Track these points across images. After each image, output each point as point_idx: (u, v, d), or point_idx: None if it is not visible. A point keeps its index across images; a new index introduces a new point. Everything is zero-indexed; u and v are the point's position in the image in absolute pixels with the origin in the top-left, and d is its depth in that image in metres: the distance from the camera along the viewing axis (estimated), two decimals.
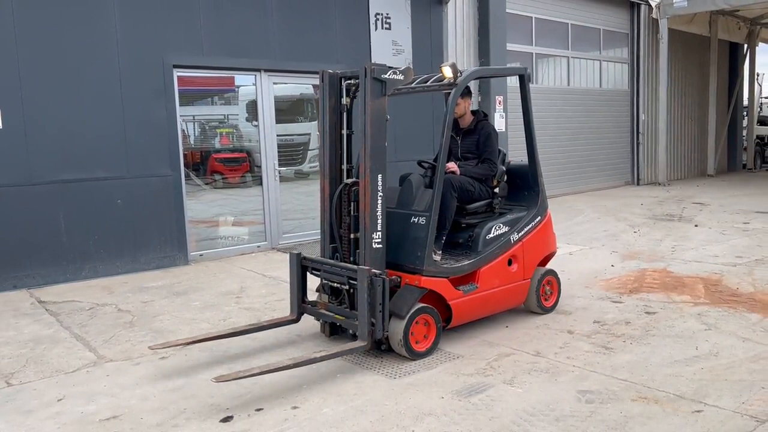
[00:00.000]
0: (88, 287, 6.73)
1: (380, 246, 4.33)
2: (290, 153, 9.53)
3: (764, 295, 5.58)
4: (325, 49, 8.91)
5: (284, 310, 5.59)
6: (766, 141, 20.95)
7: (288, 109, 9.61)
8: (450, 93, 4.66)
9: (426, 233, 4.42)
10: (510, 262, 4.99)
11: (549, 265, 5.48)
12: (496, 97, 11.56)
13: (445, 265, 4.60)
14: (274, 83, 8.58)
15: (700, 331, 4.70)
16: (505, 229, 4.96)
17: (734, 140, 19.71)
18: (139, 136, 7.30)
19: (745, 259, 7.00)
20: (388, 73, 4.33)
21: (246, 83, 8.59)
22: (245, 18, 8.11)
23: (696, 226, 9.37)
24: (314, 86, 9.25)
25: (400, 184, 5.02)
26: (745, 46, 19.25)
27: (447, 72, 4.51)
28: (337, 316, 4.56)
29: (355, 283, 4.22)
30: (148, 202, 7.41)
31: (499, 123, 11.66)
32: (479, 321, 4.98)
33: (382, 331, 4.20)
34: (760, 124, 21.27)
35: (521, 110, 5.29)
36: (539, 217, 5.21)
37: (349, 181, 4.66)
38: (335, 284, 4.53)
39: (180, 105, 7.75)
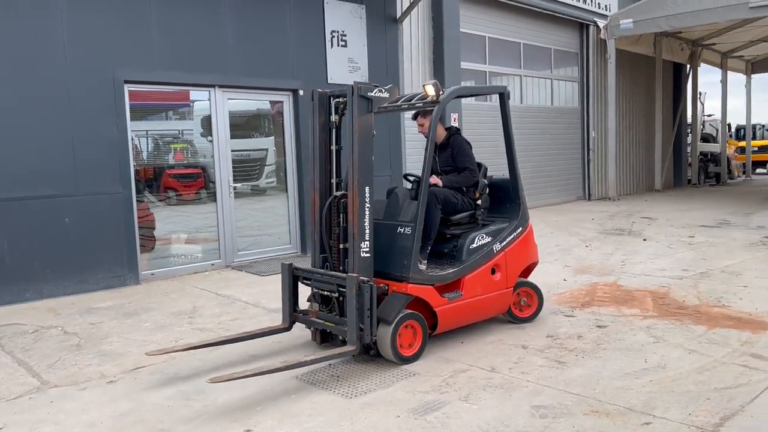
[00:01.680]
0: (32, 309, 6.49)
1: (368, 255, 4.52)
2: (247, 169, 9.43)
3: (709, 307, 5.76)
4: (281, 65, 8.89)
5: (238, 329, 5.51)
6: (709, 157, 21.80)
7: (245, 125, 9.53)
8: (432, 110, 4.89)
9: (411, 242, 4.61)
10: (493, 271, 5.16)
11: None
12: (452, 114, 11.71)
13: (430, 273, 4.77)
14: (229, 99, 8.50)
15: (648, 343, 4.81)
16: (487, 239, 5.16)
17: (679, 157, 20.45)
18: (88, 152, 7.12)
19: (690, 272, 7.23)
20: (374, 92, 4.59)
21: (201, 98, 8.49)
22: (200, 34, 8.03)
23: (644, 240, 9.65)
24: (271, 102, 9.21)
25: (387, 197, 5.20)
26: (688, 66, 20.06)
27: (430, 90, 4.71)
28: (327, 323, 4.70)
29: (345, 290, 4.40)
30: (97, 220, 7.21)
31: None
32: (436, 338, 4.99)
33: (371, 336, 4.37)
34: (703, 141, 22.15)
35: (502, 127, 5.55)
36: (521, 228, 5.42)
37: (338, 193, 4.87)
38: (326, 292, 4.69)
39: (133, 120, 7.60)
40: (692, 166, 21.01)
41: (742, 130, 25.65)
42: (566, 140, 15.64)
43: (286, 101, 9.13)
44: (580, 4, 15.32)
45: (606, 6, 16.20)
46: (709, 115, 24.92)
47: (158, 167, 8.58)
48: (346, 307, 4.39)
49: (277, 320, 5.77)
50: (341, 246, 4.77)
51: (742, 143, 24.77)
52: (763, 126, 30.08)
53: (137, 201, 7.73)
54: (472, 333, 5.21)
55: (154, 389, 4.23)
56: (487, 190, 5.40)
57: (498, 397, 3.91)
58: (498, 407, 3.76)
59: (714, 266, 7.53)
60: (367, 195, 4.52)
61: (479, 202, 5.36)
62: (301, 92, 9.07)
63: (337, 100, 4.88)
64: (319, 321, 4.77)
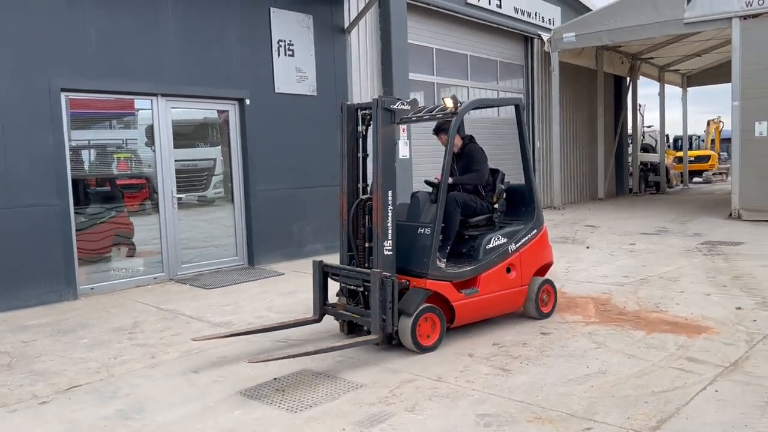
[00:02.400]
0: None
1: (390, 253, 4.95)
2: (194, 179, 9.24)
3: (648, 312, 5.93)
4: (227, 74, 8.76)
5: (181, 345, 5.37)
6: (649, 167, 22.59)
7: (191, 134, 9.34)
8: (451, 121, 5.30)
9: (431, 241, 5.05)
10: (508, 270, 5.57)
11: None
12: (400, 125, 11.76)
13: (448, 271, 5.19)
14: (173, 108, 8.31)
15: (590, 349, 4.92)
16: (503, 240, 5.58)
17: (621, 166, 21.12)
18: (20, 163, 6.82)
19: (631, 279, 7.44)
20: (397, 104, 5.01)
21: (145, 107, 8.27)
22: (141, 42, 7.84)
23: (588, 247, 9.89)
24: (219, 111, 9.05)
25: (411, 200, 5.65)
26: (628, 79, 20.79)
27: (449, 103, 5.14)
28: (353, 314, 5.16)
29: (369, 284, 4.84)
30: (32, 234, 6.91)
31: (403, 150, 11.87)
32: (385, 350, 4.98)
33: (392, 326, 4.80)
34: (644, 152, 22.96)
35: (518, 136, 6.07)
36: (535, 230, 5.84)
37: (364, 197, 5.33)
38: (352, 287, 5.15)
39: (75, 129, 7.35)
40: (633, 176, 21.74)
41: (680, 141, 26.72)
42: (513, 150, 15.84)
43: (232, 110, 9.00)
44: (525, 18, 15.69)
45: (550, 20, 16.63)
46: (649, 126, 25.88)
47: (100, 178, 8.30)
48: (370, 300, 4.83)
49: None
50: (366, 245, 5.22)
51: (680, 153, 25.80)
52: (699, 137, 31.47)
53: (115, 211, 7.81)
54: None
55: (91, 409, 4.06)
56: (504, 195, 5.87)
57: (444, 407, 3.91)
58: (443, 417, 3.76)
59: (653, 272, 7.77)
60: (390, 198, 4.95)
61: (496, 206, 5.80)
62: (247, 101, 8.95)
63: (364, 111, 5.32)
64: (346, 313, 5.24)
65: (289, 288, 7.63)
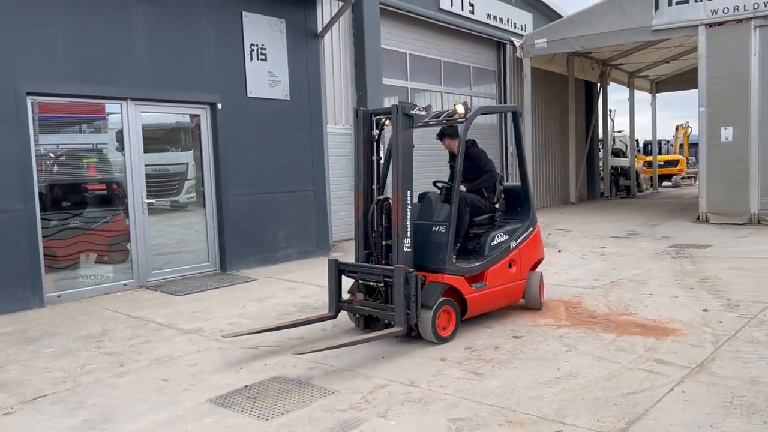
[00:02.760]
0: None
1: (409, 250, 5.26)
2: (165, 184, 9.12)
3: (618, 315, 6.02)
4: (198, 78, 8.68)
5: (151, 352, 5.30)
6: (620, 171, 22.96)
7: (163, 138, 9.22)
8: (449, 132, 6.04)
9: (447, 238, 5.42)
10: (510, 265, 5.99)
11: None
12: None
13: (461, 265, 5.56)
14: (143, 112, 8.20)
15: (561, 352, 4.96)
16: (505, 237, 6.00)
17: (593, 171, 21.42)
18: None
19: (601, 282, 7.54)
20: (414, 110, 5.33)
21: (115, 111, 8.14)
22: (111, 45, 7.72)
23: (559, 251, 10.00)
24: (191, 116, 8.95)
25: (419, 202, 5.89)
26: (599, 84, 21.12)
27: (460, 109, 5.67)
28: (373, 309, 5.40)
29: (390, 281, 5.13)
30: None
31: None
32: (356, 353, 4.97)
33: (416, 318, 5.10)
34: (614, 156, 23.33)
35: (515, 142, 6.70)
36: (531, 228, 6.29)
37: (381, 197, 5.60)
38: (371, 283, 5.40)
39: (43, 133, 7.20)
40: (604, 180, 22.06)
41: (649, 146, 27.21)
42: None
43: (204, 115, 8.91)
44: (497, 24, 15.84)
45: (522, 26, 16.83)
46: (619, 131, 26.30)
47: (70, 183, 8.15)
48: (393, 294, 5.10)
49: (194, 341, 5.64)
50: (384, 243, 5.49)
51: (650, 158, 26.26)
52: (668, 141, 32.09)
53: (113, 213, 7.83)
54: (393, 348, 5.21)
55: (56, 419, 3.97)
56: (503, 196, 6.22)
57: (416, 412, 3.91)
58: (416, 422, 3.76)
59: (623, 276, 7.89)
60: (409, 198, 5.23)
61: (497, 205, 6.16)
62: (219, 105, 8.88)
63: (378, 116, 5.66)
64: (365, 308, 5.47)
65: (262, 294, 7.58)
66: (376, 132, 5.67)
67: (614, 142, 24.64)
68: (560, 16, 17.53)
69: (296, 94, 10.00)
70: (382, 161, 5.83)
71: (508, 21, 16.27)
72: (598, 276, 7.91)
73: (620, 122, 27.09)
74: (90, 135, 8.73)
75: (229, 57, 9.08)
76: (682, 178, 28.38)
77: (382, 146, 5.95)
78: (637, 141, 25.35)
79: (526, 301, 6.26)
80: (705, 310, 6.02)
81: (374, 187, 5.71)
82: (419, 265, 5.34)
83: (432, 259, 5.46)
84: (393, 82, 13.02)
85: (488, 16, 15.51)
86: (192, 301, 7.27)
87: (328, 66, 11.16)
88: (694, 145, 28.61)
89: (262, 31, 9.50)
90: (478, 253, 5.86)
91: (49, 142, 7.76)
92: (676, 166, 28.43)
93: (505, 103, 16.45)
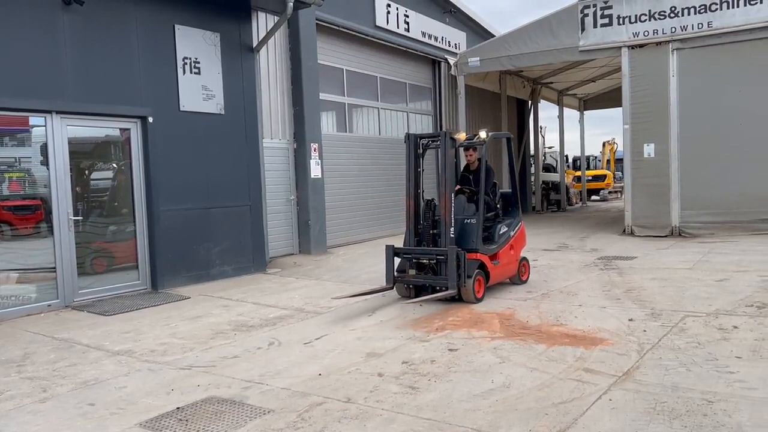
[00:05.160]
0: None
1: (453, 236, 7.30)
2: (93, 199, 8.78)
3: (549, 326, 6.19)
4: (128, 91, 8.45)
5: (76, 376, 5.07)
6: (550, 186, 23.69)
7: (91, 153, 8.89)
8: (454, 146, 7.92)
9: (478, 228, 7.48)
10: (511, 248, 8.09)
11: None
12: (311, 144, 11.77)
13: (486, 247, 7.58)
14: (69, 125, 7.90)
15: (495, 364, 5.06)
16: (506, 228, 8.11)
17: (525, 185, 22.00)
18: None
19: (533, 294, 7.74)
20: (456, 135, 7.75)
21: (39, 124, 7.80)
22: (35, 57, 7.43)
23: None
24: (121, 129, 8.67)
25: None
26: (530, 102, 21.81)
27: (482, 135, 7.86)
28: (428, 280, 7.38)
29: (442, 258, 7.18)
30: None
31: (315, 170, 11.87)
32: (293, 371, 4.91)
33: (464, 284, 7.10)
34: (545, 171, 24.08)
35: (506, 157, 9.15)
36: (520, 222, 8.48)
37: (429, 198, 7.76)
38: (424, 261, 7.39)
39: None
40: (536, 194, 22.72)
41: (578, 161, 28.24)
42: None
43: (134, 128, 8.66)
44: (432, 42, 16.15)
45: (456, 44, 17.22)
46: (550, 147, 27.19)
47: None
48: (447, 268, 7.06)
49: (123, 362, 5.45)
50: (432, 232, 7.56)
51: (579, 173, 27.25)
52: (596, 157, 33.41)
53: (36, 230, 7.64)
54: (330, 363, 5.18)
55: None
56: (500, 198, 8.33)
57: (353, 428, 3.89)
58: None
59: (554, 287, 8.13)
60: (453, 200, 7.38)
61: (498, 205, 8.25)
62: (150, 119, 8.66)
63: (423, 140, 7.88)
64: (420, 280, 7.44)
65: (195, 312, 7.39)
66: (420, 150, 7.79)
67: (545, 157, 25.45)
68: (493, 35, 18.04)
69: (231, 108, 9.88)
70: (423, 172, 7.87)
71: (442, 39, 16.61)
72: (530, 288, 8.12)
73: (550, 138, 28.03)
74: (12, 149, 8.33)
75: (161, 70, 8.90)
76: (610, 192, 29.60)
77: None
78: (566, 156, 26.27)
79: (512, 278, 8.26)
80: (631, 320, 6.27)
81: (419, 191, 7.74)
82: (457, 247, 7.16)
83: (467, 242, 7.39)
84: (330, 97, 13.05)
85: (423, 34, 15.80)
86: (121, 321, 7.02)
87: (264, 80, 11.08)
88: (620, 161, 30.00)
89: (196, 45, 9.36)
90: (490, 239, 7.76)
91: None
92: (603, 181, 29.63)
93: (441, 118, 16.77)
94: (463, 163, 8.63)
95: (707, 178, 12.58)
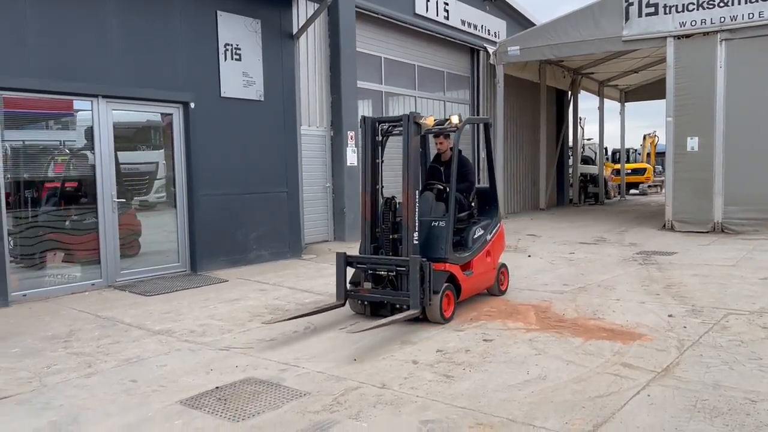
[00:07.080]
0: None
1: (417, 242, 5.90)
2: (135, 183, 8.99)
3: (586, 320, 6.12)
4: (171, 77, 8.59)
5: (119, 353, 5.22)
6: (588, 178, 23.33)
7: (134, 137, 9.09)
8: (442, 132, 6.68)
9: (447, 232, 6.12)
10: (487, 255, 6.79)
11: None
12: (348, 132, 11.81)
13: (457, 255, 6.25)
14: (114, 110, 8.08)
15: (531, 355, 5.03)
16: (482, 231, 6.80)
17: (562, 177, 21.74)
18: None
19: (570, 287, 7.66)
20: (421, 119, 6.05)
21: (85, 108, 8.00)
22: (82, 41, 7.60)
23: (529, 256, 10.13)
24: (162, 114, 8.84)
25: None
26: (570, 93, 21.46)
27: (455, 119, 6.42)
28: (385, 296, 5.98)
29: (402, 269, 5.81)
30: None
31: (351, 158, 11.91)
32: (328, 356, 4.97)
33: (428, 302, 5.72)
34: (584, 163, 23.72)
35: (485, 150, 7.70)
36: (498, 224, 7.20)
37: (389, 196, 6.29)
38: (381, 273, 5.99)
39: (7, 129, 7.02)
40: (573, 187, 22.41)
41: (618, 154, 27.73)
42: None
43: (176, 114, 8.82)
44: (471, 30, 16.01)
45: (495, 33, 17.02)
46: (589, 139, 26.74)
47: (36, 180, 7.98)
48: (408, 281, 5.70)
49: (164, 342, 5.58)
50: (392, 237, 6.16)
51: (618, 166, 26.76)
52: (636, 150, 32.74)
53: (81, 212, 7.94)
54: (365, 350, 5.22)
55: (22, 420, 3.89)
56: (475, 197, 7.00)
57: (388, 414, 3.93)
58: (387, 424, 3.78)
59: (591, 281, 8.03)
60: (417, 197, 5.89)
61: (473, 204, 6.96)
62: (192, 105, 8.80)
63: (382, 124, 6.39)
64: (376, 295, 6.03)
65: (233, 295, 7.52)
66: (380, 138, 6.35)
67: (584, 149, 25.04)
68: (533, 24, 17.78)
69: (270, 95, 9.96)
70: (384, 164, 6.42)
71: (482, 28, 16.44)
72: (566, 281, 8.03)
73: (590, 130, 27.54)
74: (57, 132, 8.55)
75: (203, 56, 9.02)
76: (649, 186, 29.00)
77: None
78: (605, 149, 25.81)
79: (490, 289, 7.04)
80: (670, 316, 6.16)
81: (378, 187, 6.33)
82: (423, 255, 5.88)
83: (434, 250, 6.08)
84: (368, 85, 13.05)
85: (462, 22, 15.66)
86: (162, 302, 7.19)
87: (302, 68, 11.14)
88: (660, 154, 29.38)
89: (237, 31, 9.45)
90: (463, 245, 6.51)
91: (14, 138, 7.58)
92: (643, 175, 29.03)
93: (479, 108, 16.64)
94: (433, 153, 7.31)
95: (753, 173, 12.23)
